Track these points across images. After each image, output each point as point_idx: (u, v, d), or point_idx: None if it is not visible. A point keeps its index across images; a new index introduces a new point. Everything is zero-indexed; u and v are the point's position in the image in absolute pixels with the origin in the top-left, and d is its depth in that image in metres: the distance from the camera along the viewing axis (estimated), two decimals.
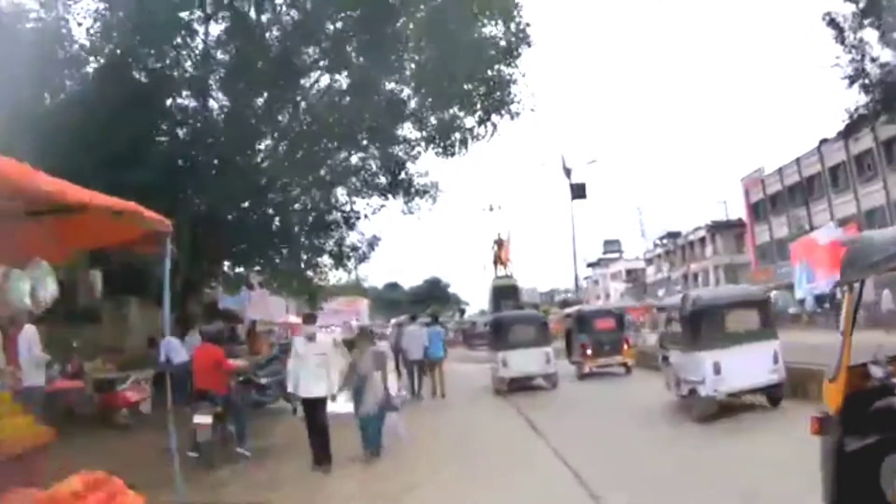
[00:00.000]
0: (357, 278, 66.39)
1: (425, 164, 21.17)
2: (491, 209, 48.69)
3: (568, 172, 34.57)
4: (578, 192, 34.69)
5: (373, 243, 19.17)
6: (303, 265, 18.73)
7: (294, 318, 36.08)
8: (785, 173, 47.28)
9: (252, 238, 15.10)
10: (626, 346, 17.52)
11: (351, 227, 17.01)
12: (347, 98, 14.47)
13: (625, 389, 15.23)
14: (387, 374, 9.53)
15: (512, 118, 13.84)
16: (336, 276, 19.07)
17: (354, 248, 18.83)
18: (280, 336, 29.90)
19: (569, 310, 24.88)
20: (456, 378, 17.31)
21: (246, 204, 15.19)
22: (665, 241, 69.74)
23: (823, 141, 43.15)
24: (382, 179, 16.35)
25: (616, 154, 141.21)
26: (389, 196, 17.25)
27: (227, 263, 16.99)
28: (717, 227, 60.03)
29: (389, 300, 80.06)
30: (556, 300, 78.92)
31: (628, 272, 76.22)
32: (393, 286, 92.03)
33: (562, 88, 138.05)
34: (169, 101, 14.44)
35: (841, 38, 21.81)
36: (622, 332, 18.05)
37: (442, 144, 14.96)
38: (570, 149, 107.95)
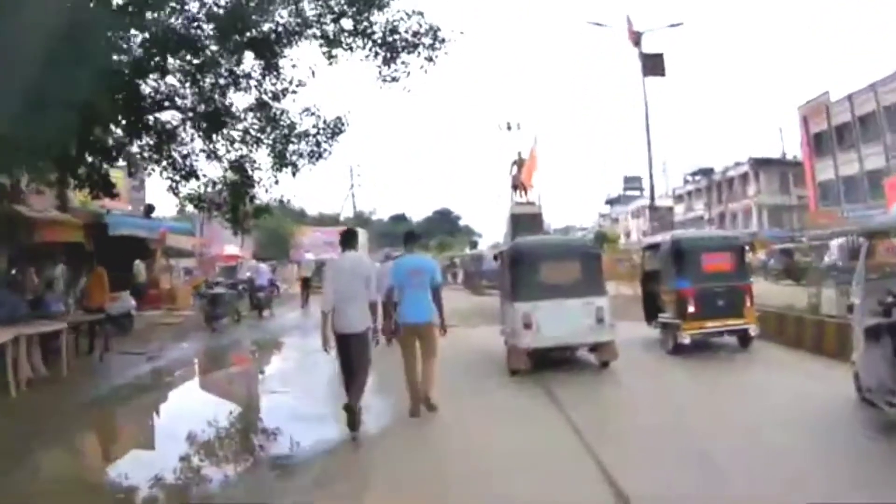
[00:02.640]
0: (354, 207, 59.86)
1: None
2: (508, 128, 40.79)
3: (637, 38, 26.34)
4: (653, 65, 26.51)
5: (335, 129, 12.22)
6: (222, 163, 12.15)
7: (233, 249, 29.14)
8: (856, 101, 39.45)
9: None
10: (748, 302, 10.16)
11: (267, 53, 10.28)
12: None
13: (769, 386, 7.95)
14: None
15: None
16: (270, 177, 12.19)
17: (303, 136, 12.02)
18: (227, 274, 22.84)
19: (651, 238, 17.17)
20: (453, 350, 9.58)
21: None
22: (697, 177, 62.19)
23: None
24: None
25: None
26: (351, 42, 10.43)
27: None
28: (761, 164, 52.42)
29: (395, 234, 73.76)
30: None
31: (652, 210, 68.70)
32: (399, 218, 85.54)
33: None
34: None
35: None
36: (745, 276, 10.69)
37: None
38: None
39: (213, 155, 12.16)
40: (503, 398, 7.98)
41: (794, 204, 49.15)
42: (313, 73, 11.50)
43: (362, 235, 52.05)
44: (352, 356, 6.38)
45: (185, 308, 18.39)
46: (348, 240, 6.79)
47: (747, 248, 13.68)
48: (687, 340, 10.00)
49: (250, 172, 12.25)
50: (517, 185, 27.22)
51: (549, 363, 9.33)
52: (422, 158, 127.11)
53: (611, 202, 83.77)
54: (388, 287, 7.18)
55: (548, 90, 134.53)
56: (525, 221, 23.82)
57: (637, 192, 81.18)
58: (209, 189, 12.57)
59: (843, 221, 37.66)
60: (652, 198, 36.42)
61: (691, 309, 10.01)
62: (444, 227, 76.99)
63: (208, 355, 13.34)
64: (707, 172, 60.33)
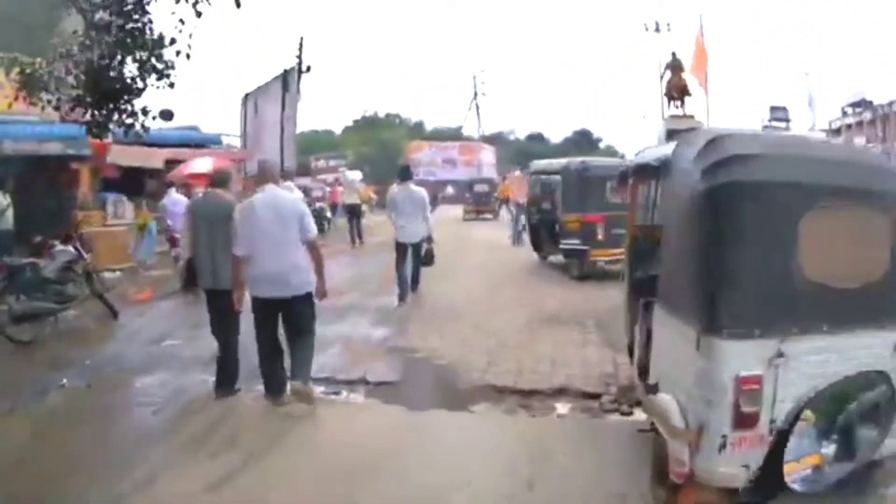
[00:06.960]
0: (479, 121, 56.87)
1: None
2: (657, 29, 34.65)
3: None
4: None
5: None
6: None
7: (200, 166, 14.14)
8: None
9: None
10: None
11: None
12: None
13: None
14: None
15: None
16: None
17: None
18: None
19: None
20: None
21: None
22: (858, 108, 57.14)
23: None
24: None
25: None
26: None
27: None
28: None
29: (531, 153, 73.13)
30: None
31: None
32: (536, 138, 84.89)
33: None
34: None
35: None
36: None
37: None
38: None
39: None
40: None
41: None
42: None
43: (489, 153, 44.15)
44: None
45: (117, 262, 11.60)
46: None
47: None
48: None
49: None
50: (672, 94, 25.90)
51: None
52: (561, 73, 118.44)
53: None
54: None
55: None
56: None
57: (782, 124, 75.59)
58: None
59: None
60: None
61: None
62: (583, 148, 76.18)
63: None
64: (868, 104, 55.41)
